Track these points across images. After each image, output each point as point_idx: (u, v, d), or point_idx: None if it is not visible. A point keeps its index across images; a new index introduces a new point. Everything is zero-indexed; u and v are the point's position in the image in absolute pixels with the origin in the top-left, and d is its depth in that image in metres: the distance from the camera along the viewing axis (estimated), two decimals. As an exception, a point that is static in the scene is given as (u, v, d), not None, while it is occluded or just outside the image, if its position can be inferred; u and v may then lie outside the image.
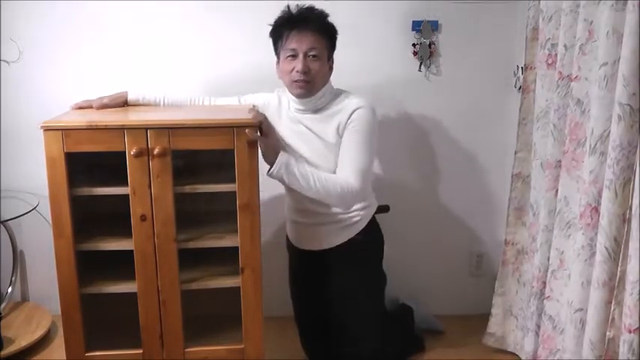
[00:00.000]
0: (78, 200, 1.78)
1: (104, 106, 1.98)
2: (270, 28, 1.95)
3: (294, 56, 1.89)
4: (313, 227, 2.05)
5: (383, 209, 2.24)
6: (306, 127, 1.96)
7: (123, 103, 2.03)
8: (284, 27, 1.91)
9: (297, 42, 1.88)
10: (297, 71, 1.88)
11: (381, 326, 2.16)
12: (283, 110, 2.02)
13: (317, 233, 2.05)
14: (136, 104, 2.05)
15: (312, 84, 1.91)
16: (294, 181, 1.85)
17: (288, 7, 1.93)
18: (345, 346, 2.14)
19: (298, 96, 1.94)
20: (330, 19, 1.95)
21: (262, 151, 1.81)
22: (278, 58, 1.96)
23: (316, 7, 1.95)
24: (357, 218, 2.03)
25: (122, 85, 2.10)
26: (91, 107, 1.98)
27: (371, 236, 2.10)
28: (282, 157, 1.83)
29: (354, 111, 1.90)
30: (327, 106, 1.96)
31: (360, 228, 2.04)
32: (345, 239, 2.04)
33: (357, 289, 2.08)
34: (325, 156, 1.94)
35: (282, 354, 2.31)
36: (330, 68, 1.98)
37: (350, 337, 2.12)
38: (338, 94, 1.99)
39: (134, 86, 2.09)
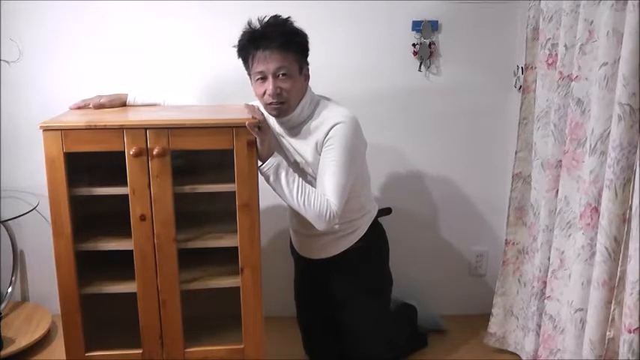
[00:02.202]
0: (77, 200, 1.78)
1: (101, 106, 1.97)
2: (236, 49, 1.88)
3: (264, 78, 1.82)
4: (312, 238, 2.04)
5: (385, 212, 2.24)
6: (288, 142, 1.94)
7: (121, 105, 2.03)
8: (249, 47, 1.83)
9: (264, 63, 1.80)
10: (269, 95, 1.81)
11: (387, 326, 2.16)
12: (270, 121, 1.96)
13: (317, 243, 2.04)
14: (134, 105, 2.05)
15: (287, 103, 1.84)
16: (278, 186, 1.80)
17: (250, 23, 1.85)
18: (351, 347, 2.14)
19: (276, 117, 1.89)
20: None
21: (258, 148, 1.76)
22: (250, 78, 1.90)
23: (279, 16, 1.85)
24: (356, 226, 2.03)
25: (122, 84, 2.11)
26: (88, 106, 1.98)
27: (373, 241, 2.09)
28: (275, 158, 1.80)
29: (332, 127, 1.83)
30: (307, 121, 1.90)
31: (361, 235, 2.04)
32: (347, 247, 2.03)
33: (362, 294, 2.08)
34: (305, 172, 1.91)
35: (282, 354, 2.30)
36: (307, 77, 1.90)
37: (356, 337, 2.12)
38: (318, 105, 1.91)
39: (134, 86, 2.09)
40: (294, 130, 1.92)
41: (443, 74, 2.49)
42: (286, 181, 1.80)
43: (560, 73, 1.96)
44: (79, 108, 1.99)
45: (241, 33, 1.86)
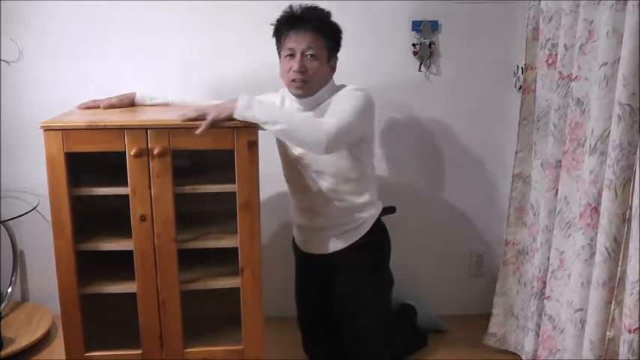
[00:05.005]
0: (78, 200, 1.78)
1: (111, 106, 1.98)
2: (273, 27, 1.97)
3: (292, 55, 1.90)
4: (317, 232, 2.05)
5: (389, 210, 2.24)
6: None
7: (130, 104, 2.03)
8: (284, 26, 1.93)
9: (295, 41, 1.89)
10: (294, 70, 1.88)
11: (387, 326, 2.16)
12: (287, 104, 2.01)
13: (321, 238, 2.05)
14: (143, 105, 2.05)
15: (310, 83, 1.90)
16: (260, 111, 1.70)
17: (291, 6, 1.94)
18: (351, 347, 2.14)
19: (296, 95, 1.94)
20: (333, 18, 1.95)
21: (220, 117, 1.69)
22: (279, 57, 1.97)
23: (319, 6, 1.95)
24: (361, 221, 2.03)
25: (122, 84, 2.10)
26: (98, 107, 1.98)
27: (376, 239, 2.09)
28: (241, 98, 1.72)
29: (345, 88, 1.92)
30: (325, 100, 1.94)
31: (365, 231, 2.04)
32: (350, 242, 2.03)
33: (364, 292, 2.08)
34: (322, 156, 1.91)
35: (281, 354, 2.30)
36: (333, 68, 1.98)
37: (356, 337, 2.12)
38: (338, 89, 1.97)
39: (133, 86, 2.09)
40: (313, 110, 1.94)
41: (443, 74, 2.49)
42: (267, 105, 1.75)
43: (560, 73, 1.96)
44: (88, 108, 1.99)
45: (280, 15, 1.95)
